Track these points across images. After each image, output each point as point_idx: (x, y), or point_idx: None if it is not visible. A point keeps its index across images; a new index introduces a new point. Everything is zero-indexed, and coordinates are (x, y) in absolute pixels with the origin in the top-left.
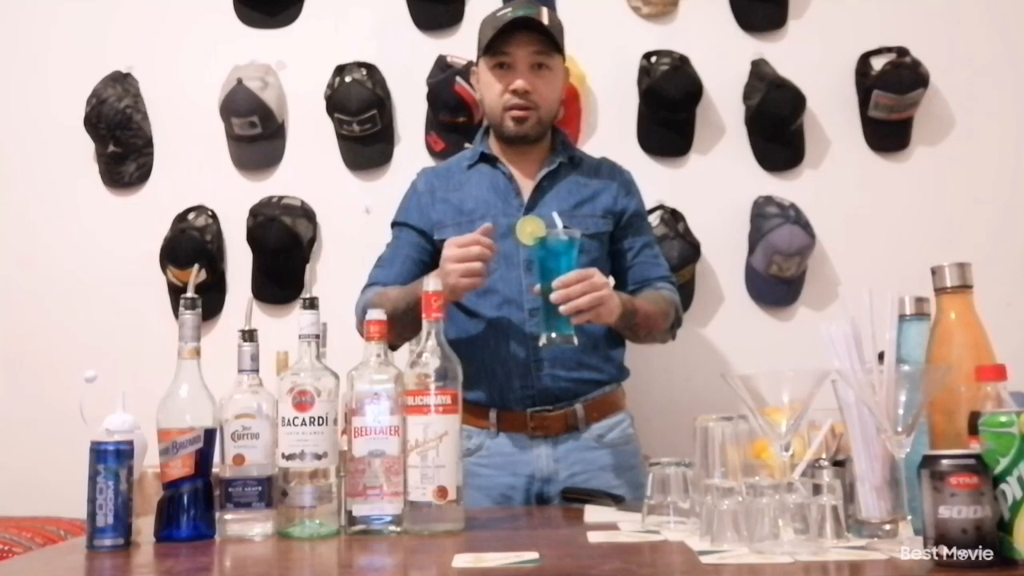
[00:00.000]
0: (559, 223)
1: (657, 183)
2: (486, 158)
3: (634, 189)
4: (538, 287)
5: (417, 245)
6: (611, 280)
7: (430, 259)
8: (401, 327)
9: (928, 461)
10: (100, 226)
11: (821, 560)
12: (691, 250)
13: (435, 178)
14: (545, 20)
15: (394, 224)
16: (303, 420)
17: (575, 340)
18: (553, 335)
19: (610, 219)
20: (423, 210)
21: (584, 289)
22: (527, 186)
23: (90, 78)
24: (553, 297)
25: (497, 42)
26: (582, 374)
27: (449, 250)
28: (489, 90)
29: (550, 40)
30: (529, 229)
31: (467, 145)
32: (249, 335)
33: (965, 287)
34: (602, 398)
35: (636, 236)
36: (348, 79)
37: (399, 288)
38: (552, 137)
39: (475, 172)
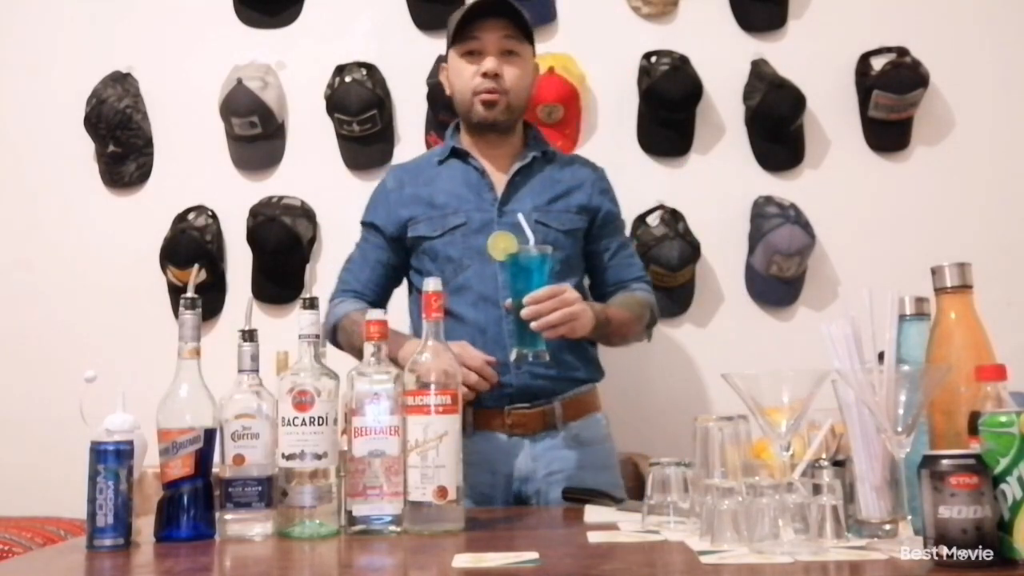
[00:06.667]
0: (531, 236)
1: (657, 183)
2: (457, 153)
3: (609, 187)
4: (509, 301)
5: (385, 249)
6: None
7: (399, 262)
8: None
9: (928, 461)
10: (100, 226)
11: (821, 560)
12: (691, 250)
13: (404, 174)
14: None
15: (362, 223)
16: (303, 420)
17: (547, 356)
18: (525, 351)
19: (585, 216)
20: (391, 208)
21: (555, 305)
22: (500, 181)
23: (90, 78)
24: (524, 313)
25: (466, 27)
26: (561, 372)
27: (465, 351)
28: (459, 77)
29: (519, 25)
30: (502, 245)
31: None
32: (249, 335)
33: (965, 287)
34: (579, 397)
35: (612, 237)
36: (348, 79)
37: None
38: (524, 132)
39: (446, 168)
